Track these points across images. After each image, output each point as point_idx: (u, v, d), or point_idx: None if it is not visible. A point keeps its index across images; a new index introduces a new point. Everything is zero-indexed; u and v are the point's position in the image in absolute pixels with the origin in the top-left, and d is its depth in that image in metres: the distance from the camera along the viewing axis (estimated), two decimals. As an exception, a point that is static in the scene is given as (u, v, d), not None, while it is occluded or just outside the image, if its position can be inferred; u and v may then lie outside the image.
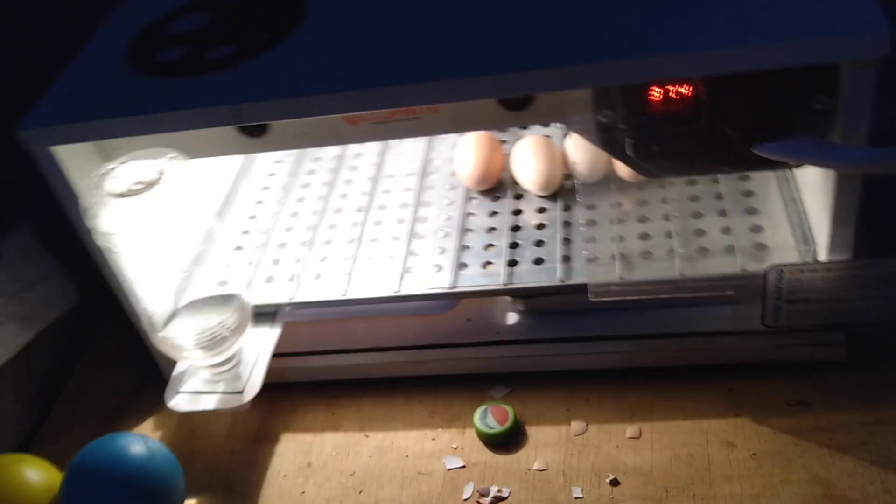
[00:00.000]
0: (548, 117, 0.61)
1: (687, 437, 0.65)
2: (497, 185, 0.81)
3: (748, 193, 0.72)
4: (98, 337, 0.87)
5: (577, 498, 0.63)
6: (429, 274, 0.73)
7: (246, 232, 0.82)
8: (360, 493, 0.67)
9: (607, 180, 0.75)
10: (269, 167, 0.90)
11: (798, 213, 0.68)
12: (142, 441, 0.66)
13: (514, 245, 0.74)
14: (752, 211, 0.70)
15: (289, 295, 0.74)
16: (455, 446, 0.69)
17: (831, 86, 0.54)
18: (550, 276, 0.70)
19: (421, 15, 0.63)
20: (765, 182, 0.72)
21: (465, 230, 0.77)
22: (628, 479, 0.63)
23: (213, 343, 0.66)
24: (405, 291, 0.72)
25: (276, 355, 0.71)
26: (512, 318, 0.74)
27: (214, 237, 0.67)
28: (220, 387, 0.69)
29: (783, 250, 0.66)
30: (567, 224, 0.75)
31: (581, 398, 0.70)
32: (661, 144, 0.59)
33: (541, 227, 0.75)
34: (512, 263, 0.72)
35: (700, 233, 0.69)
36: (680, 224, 0.70)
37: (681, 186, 0.73)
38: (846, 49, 0.51)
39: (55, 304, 0.83)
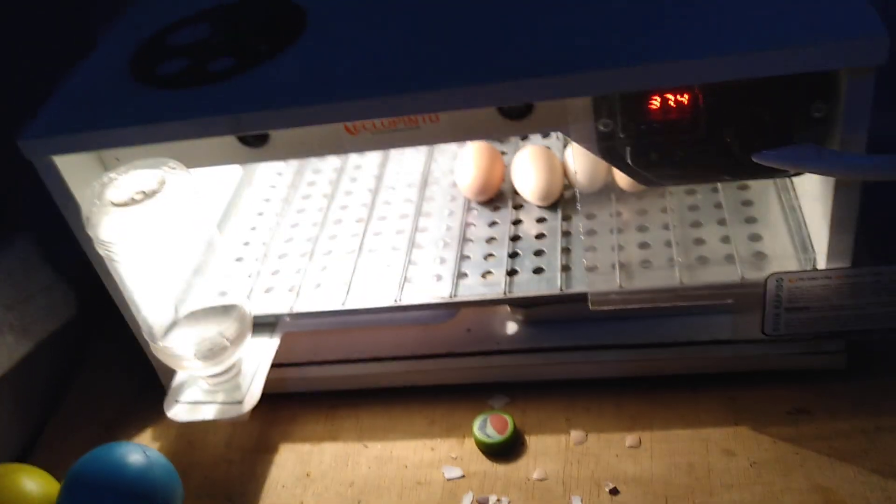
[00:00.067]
0: (548, 126, 0.61)
1: (687, 446, 0.65)
2: (497, 196, 0.81)
3: (747, 202, 0.72)
4: (97, 346, 0.87)
5: (577, 507, 0.63)
6: (428, 284, 0.73)
7: (246, 243, 0.82)
8: (359, 503, 0.67)
9: (607, 190, 0.75)
10: (270, 178, 0.90)
11: (797, 222, 0.68)
12: (140, 451, 0.66)
13: (513, 255, 0.74)
14: (751, 219, 0.70)
15: (288, 305, 0.74)
16: (454, 456, 0.69)
17: (830, 93, 0.54)
18: (550, 285, 0.70)
19: (420, 24, 0.64)
20: (764, 191, 0.72)
21: (465, 240, 0.77)
22: (628, 489, 0.63)
23: (212, 353, 0.66)
24: (405, 301, 0.72)
25: (276, 365, 0.71)
26: (512, 327, 0.74)
27: (215, 247, 0.67)
28: (220, 397, 0.69)
29: (782, 258, 0.66)
30: (567, 234, 0.75)
31: (581, 407, 0.70)
32: (660, 153, 0.59)
33: (540, 236, 0.75)
34: (512, 273, 0.72)
35: (699, 242, 0.69)
36: (679, 233, 0.70)
37: (680, 196, 0.74)
38: (845, 56, 0.51)
39: (55, 315, 0.83)
